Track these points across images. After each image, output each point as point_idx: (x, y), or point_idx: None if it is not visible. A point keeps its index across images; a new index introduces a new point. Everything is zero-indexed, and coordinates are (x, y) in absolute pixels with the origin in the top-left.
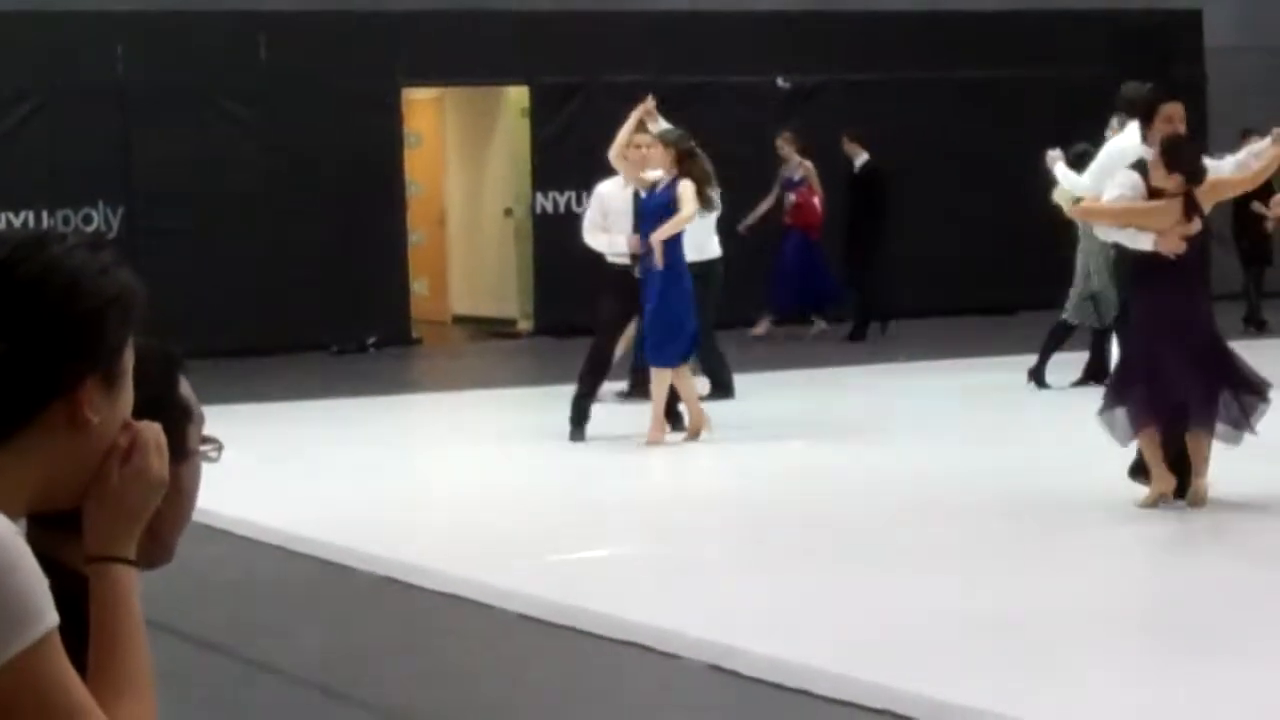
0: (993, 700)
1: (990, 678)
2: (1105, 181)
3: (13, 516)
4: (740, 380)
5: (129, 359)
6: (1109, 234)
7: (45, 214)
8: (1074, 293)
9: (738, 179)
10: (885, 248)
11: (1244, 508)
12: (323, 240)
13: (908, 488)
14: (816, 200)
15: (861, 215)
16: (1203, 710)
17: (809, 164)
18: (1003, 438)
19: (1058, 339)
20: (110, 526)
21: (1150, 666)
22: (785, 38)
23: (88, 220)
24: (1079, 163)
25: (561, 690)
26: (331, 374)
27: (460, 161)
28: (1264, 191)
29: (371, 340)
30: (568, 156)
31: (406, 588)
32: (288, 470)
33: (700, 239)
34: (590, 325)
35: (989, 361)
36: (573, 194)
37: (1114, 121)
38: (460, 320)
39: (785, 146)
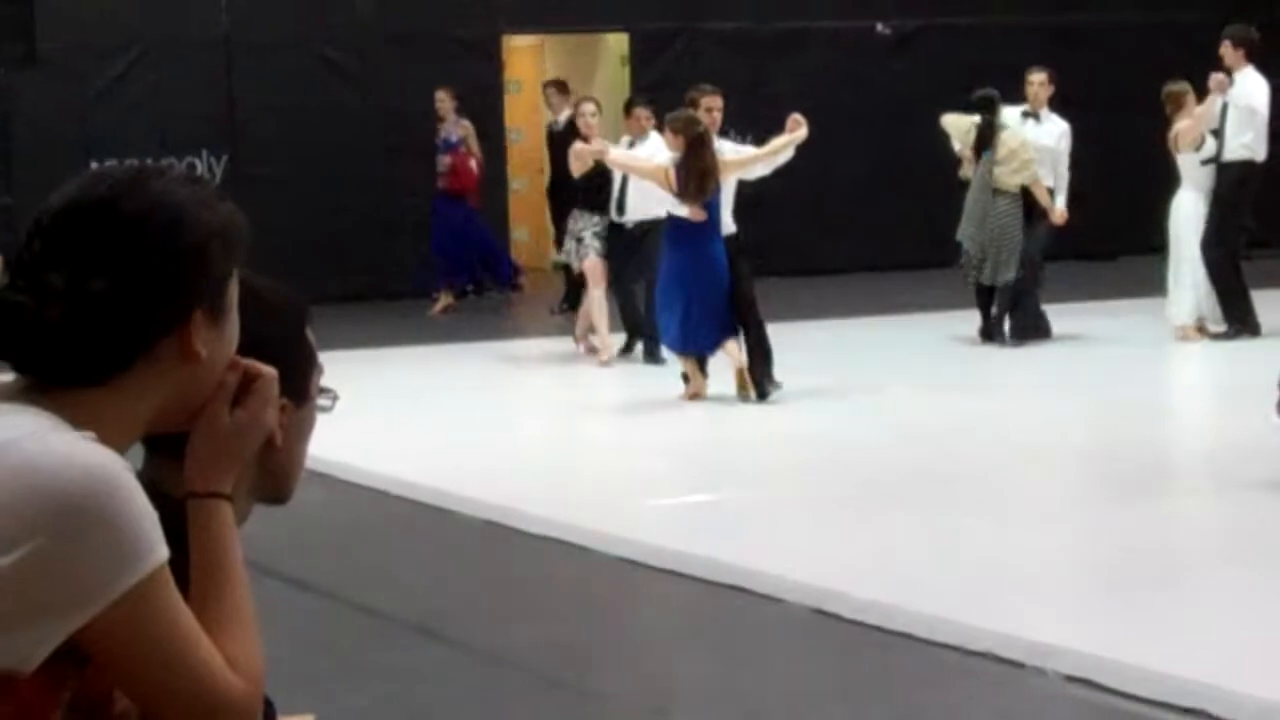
0: (1096, 644)
1: (1094, 621)
2: None
3: (125, 444)
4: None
5: (234, 292)
6: None
7: (152, 161)
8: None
9: (839, 126)
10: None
11: None
12: (425, 188)
13: (1002, 434)
14: (474, 163)
15: (563, 171)
16: None
17: (468, 123)
18: (1051, 388)
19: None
20: (213, 465)
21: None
22: None
23: (192, 169)
24: (979, 106)
25: (661, 635)
26: (432, 320)
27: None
28: None
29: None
30: (667, 103)
31: (507, 531)
32: (388, 415)
33: (647, 200)
34: None
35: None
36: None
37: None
38: (560, 266)
39: (444, 103)
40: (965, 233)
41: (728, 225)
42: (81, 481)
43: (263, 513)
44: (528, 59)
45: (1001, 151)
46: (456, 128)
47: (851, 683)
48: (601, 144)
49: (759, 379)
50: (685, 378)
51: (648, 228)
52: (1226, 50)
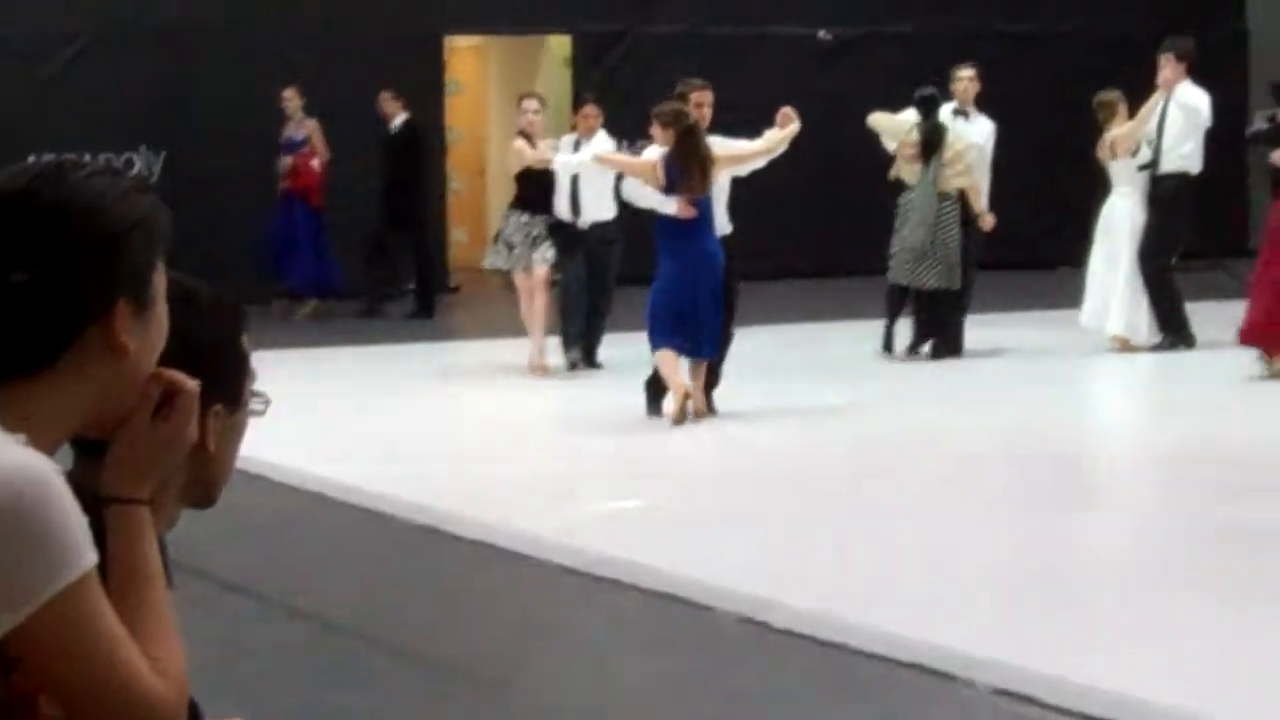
0: (1026, 655)
1: (1023, 634)
2: None
3: (54, 444)
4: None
5: (160, 284)
6: None
7: (88, 158)
8: (895, 249)
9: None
10: (425, 211)
11: None
12: (364, 188)
13: (934, 445)
14: (317, 163)
15: (400, 177)
16: (1249, 659)
17: (313, 122)
18: (982, 397)
19: (895, 302)
20: (132, 473)
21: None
22: None
23: (129, 165)
24: (925, 105)
25: (594, 642)
26: (369, 320)
27: (502, 110)
28: None
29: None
30: (609, 106)
31: (440, 535)
32: (323, 415)
33: (602, 201)
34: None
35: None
36: (613, 144)
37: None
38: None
39: (291, 101)
40: (912, 235)
41: (723, 225)
42: (10, 486)
43: (195, 514)
44: (470, 60)
45: (948, 153)
46: (302, 127)
47: (780, 692)
48: (548, 148)
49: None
50: (653, 388)
51: (600, 230)
52: (1169, 62)
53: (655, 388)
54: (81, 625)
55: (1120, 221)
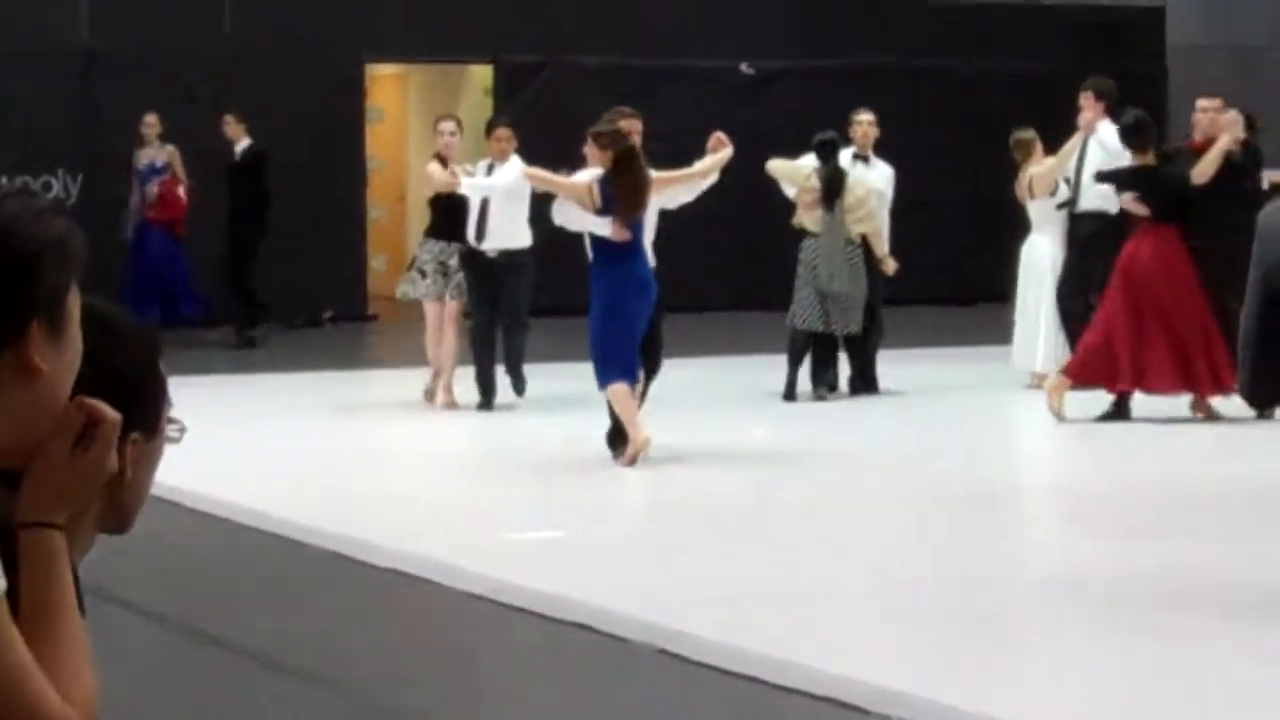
0: (939, 689)
1: (938, 667)
2: None
3: None
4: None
5: (74, 306)
6: None
7: (5, 180)
8: (804, 296)
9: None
10: (266, 239)
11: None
12: (282, 213)
13: (851, 478)
14: (181, 190)
15: (244, 204)
16: (1145, 690)
17: (173, 148)
18: (907, 429)
19: (800, 349)
20: (47, 499)
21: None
22: (750, 24)
23: (47, 188)
24: (824, 150)
25: (506, 671)
26: (287, 347)
27: (423, 138)
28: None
29: (328, 315)
30: (530, 135)
31: (356, 564)
32: (239, 443)
33: (510, 226)
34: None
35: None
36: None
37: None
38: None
39: (151, 128)
40: (828, 283)
41: (649, 258)
42: None
43: (109, 541)
44: (391, 88)
45: (849, 199)
46: (162, 153)
47: None
48: (456, 172)
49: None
50: (615, 435)
51: (509, 258)
52: (1088, 101)
53: (619, 435)
54: None
55: (1041, 260)
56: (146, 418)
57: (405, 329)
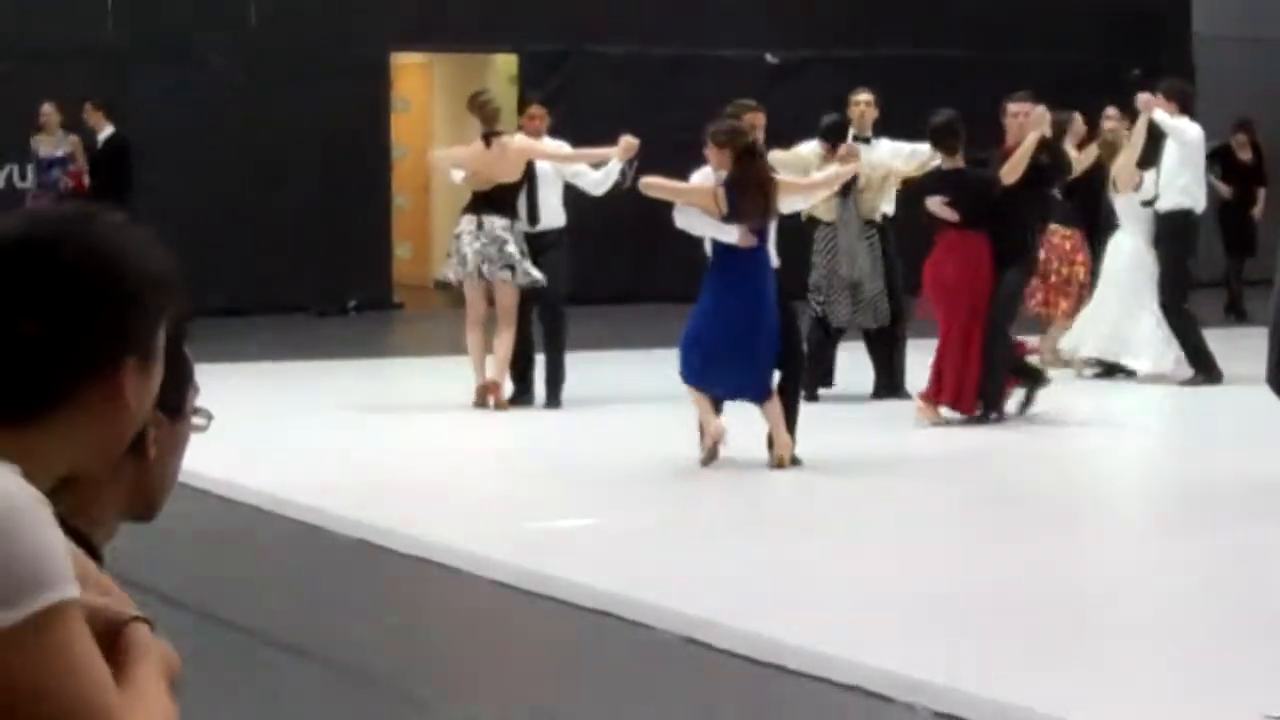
0: (966, 678)
1: (963, 656)
2: None
3: (43, 487)
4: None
5: (162, 337)
6: None
7: (31, 169)
8: (830, 291)
9: None
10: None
11: None
12: (307, 202)
13: (879, 468)
14: (86, 180)
15: (107, 193)
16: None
17: (76, 138)
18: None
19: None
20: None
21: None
22: (775, 13)
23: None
24: (833, 135)
25: (531, 659)
26: (312, 336)
27: (447, 127)
28: (1245, 187)
29: (353, 303)
30: (555, 124)
31: (379, 551)
32: (265, 430)
33: (556, 207)
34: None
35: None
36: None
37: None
38: (442, 285)
39: (50, 116)
40: (851, 272)
41: (773, 258)
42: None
43: (130, 527)
44: (416, 77)
45: (863, 181)
46: (64, 143)
47: (719, 713)
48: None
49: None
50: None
51: (553, 238)
52: (1159, 101)
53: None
54: (58, 657)
55: (1123, 257)
56: (170, 400)
57: (430, 318)
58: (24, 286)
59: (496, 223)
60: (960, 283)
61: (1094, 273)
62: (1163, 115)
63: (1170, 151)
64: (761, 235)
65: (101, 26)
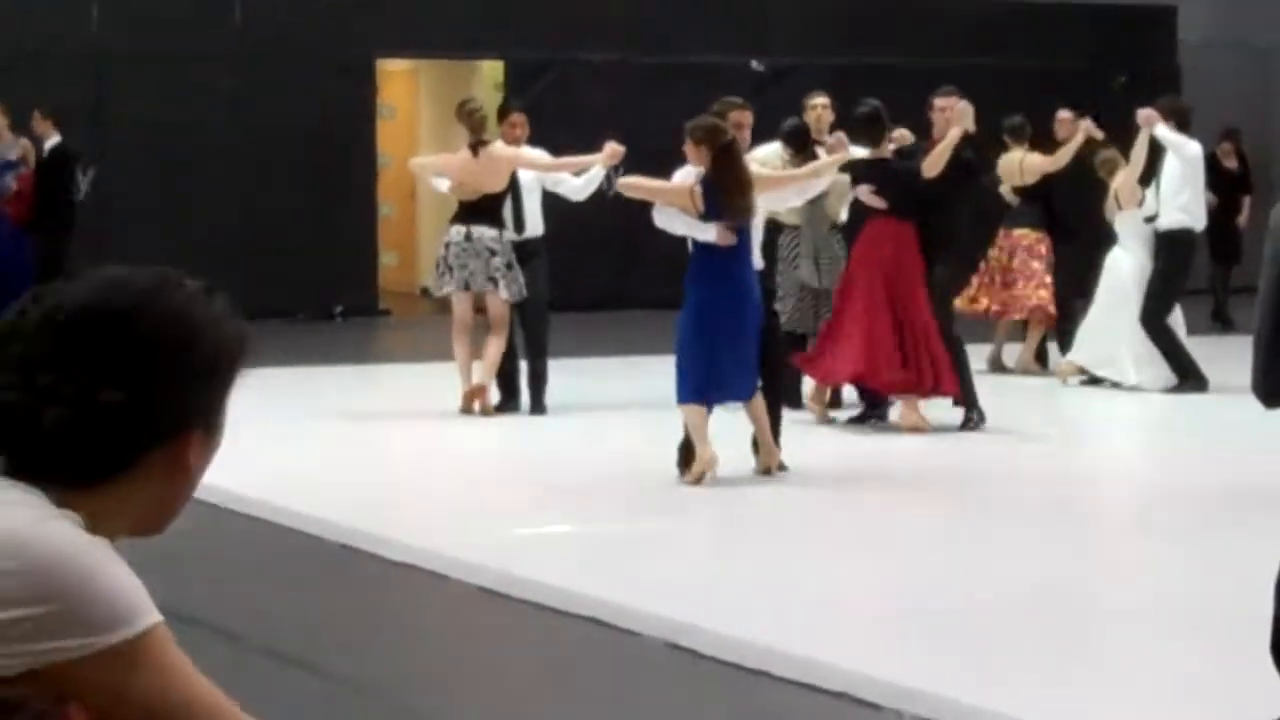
0: (953, 685)
1: (950, 664)
2: None
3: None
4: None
5: (228, 408)
6: None
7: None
8: (790, 295)
9: None
10: (69, 239)
11: None
12: (293, 209)
13: (866, 471)
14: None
15: (49, 201)
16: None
17: (26, 141)
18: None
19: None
20: None
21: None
22: (759, 19)
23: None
24: (795, 138)
25: (518, 665)
26: (299, 342)
27: (433, 135)
28: (1230, 195)
29: (339, 310)
30: (540, 132)
31: (366, 556)
32: (250, 435)
33: (537, 215)
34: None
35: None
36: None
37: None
38: (428, 292)
39: None
40: (812, 277)
41: (755, 260)
42: (58, 550)
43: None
44: (402, 84)
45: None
46: (15, 148)
47: (706, 719)
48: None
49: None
50: (684, 452)
51: (535, 246)
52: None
53: (688, 451)
54: (162, 673)
55: (1125, 274)
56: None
57: (416, 325)
58: (101, 356)
59: (486, 233)
60: (895, 265)
61: (1068, 279)
62: (1164, 130)
63: (1171, 168)
64: (742, 234)
65: (86, 29)
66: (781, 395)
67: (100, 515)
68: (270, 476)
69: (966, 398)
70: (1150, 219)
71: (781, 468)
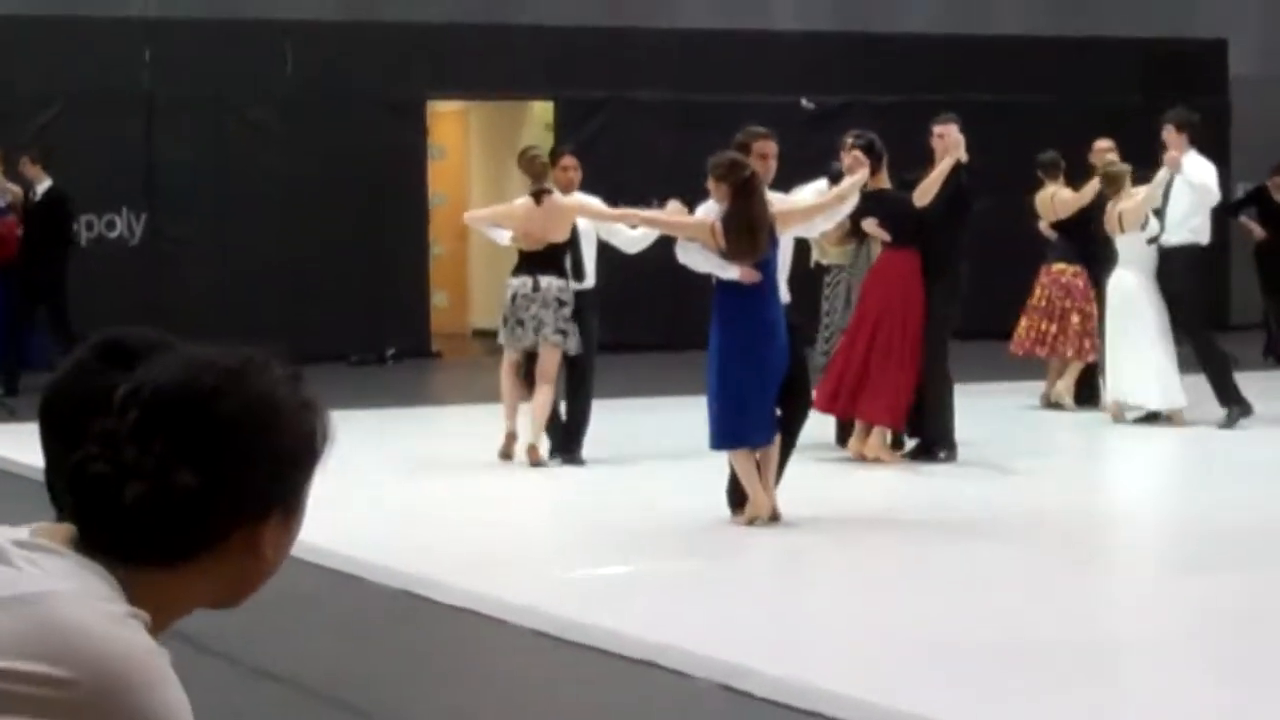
0: None
1: (1004, 703)
2: None
3: (173, 622)
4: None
5: (309, 493)
6: None
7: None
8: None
9: None
10: (65, 282)
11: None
12: (344, 251)
13: (924, 512)
14: (19, 231)
15: (43, 245)
16: None
17: (16, 187)
18: (989, 462)
19: None
20: None
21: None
22: (810, 58)
23: (111, 226)
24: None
25: (572, 708)
26: (350, 385)
27: (484, 175)
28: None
29: (391, 352)
30: (591, 172)
31: (420, 601)
32: None
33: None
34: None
35: None
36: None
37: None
38: (480, 334)
39: None
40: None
41: (782, 294)
42: (123, 661)
43: None
44: (452, 124)
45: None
46: (5, 194)
47: None
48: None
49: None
50: (732, 493)
51: (590, 298)
52: (1170, 135)
53: (737, 492)
54: None
55: (1135, 293)
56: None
57: (468, 366)
58: (182, 437)
59: (554, 284)
60: (892, 299)
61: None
62: (1191, 172)
63: (1181, 193)
64: (767, 269)
65: (138, 75)
66: (798, 432)
67: (171, 595)
68: (324, 520)
69: (935, 429)
70: (1152, 240)
71: (774, 517)
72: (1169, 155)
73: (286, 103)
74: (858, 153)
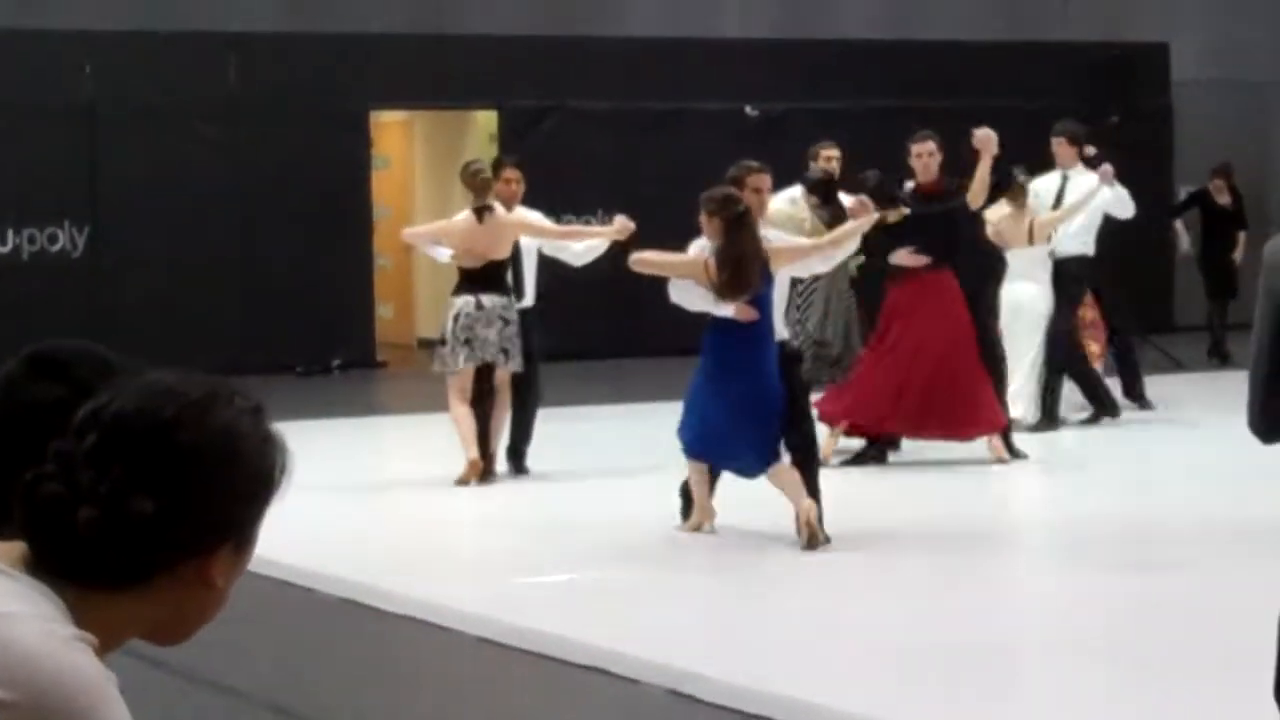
0: None
1: (949, 704)
2: None
3: (116, 646)
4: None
5: (261, 526)
6: None
7: (11, 233)
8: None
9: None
10: None
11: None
12: (289, 262)
13: (867, 514)
14: None
15: None
16: None
17: None
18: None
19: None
20: None
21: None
22: (754, 65)
23: (53, 240)
24: (823, 190)
25: (520, 715)
26: (297, 395)
27: (428, 185)
28: (1224, 230)
29: (337, 362)
30: (535, 181)
31: (364, 609)
32: None
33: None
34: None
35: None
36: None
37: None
38: (425, 344)
39: None
40: (819, 330)
41: (779, 330)
42: (67, 684)
43: None
44: (396, 135)
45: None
46: None
47: None
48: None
49: (819, 520)
50: (685, 498)
51: (532, 315)
52: (1061, 146)
53: (689, 499)
54: None
55: (1035, 307)
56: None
57: (413, 377)
58: (141, 465)
59: (497, 302)
60: (958, 317)
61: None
62: (1108, 191)
63: (1070, 200)
64: (763, 306)
65: (79, 85)
66: (815, 457)
67: (118, 619)
68: (267, 530)
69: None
70: (1052, 252)
71: (826, 540)
72: (1103, 169)
73: (230, 114)
74: (864, 198)
